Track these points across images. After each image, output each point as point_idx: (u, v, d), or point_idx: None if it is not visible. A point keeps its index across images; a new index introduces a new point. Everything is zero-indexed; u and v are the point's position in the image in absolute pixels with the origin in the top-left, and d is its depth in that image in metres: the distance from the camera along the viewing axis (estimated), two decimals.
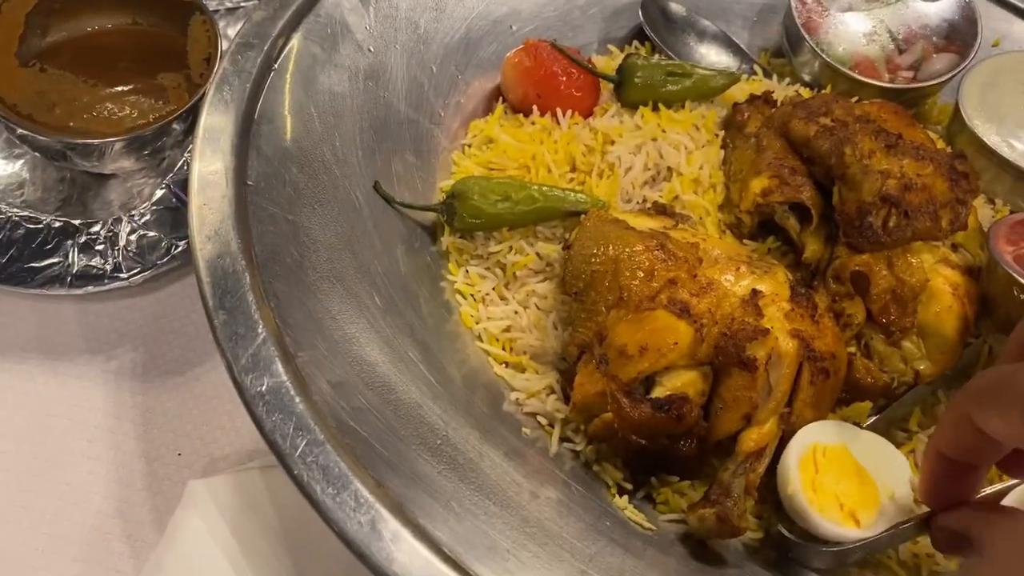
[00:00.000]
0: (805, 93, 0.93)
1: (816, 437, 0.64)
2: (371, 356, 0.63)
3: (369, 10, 0.83)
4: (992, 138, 0.85)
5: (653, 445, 0.65)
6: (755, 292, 0.69)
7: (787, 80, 0.97)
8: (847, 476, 0.62)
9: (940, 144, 0.89)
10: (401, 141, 0.82)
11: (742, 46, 0.99)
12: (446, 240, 0.78)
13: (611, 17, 1.00)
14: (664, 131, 0.84)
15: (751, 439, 0.64)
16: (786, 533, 0.63)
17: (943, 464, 0.49)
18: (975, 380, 0.45)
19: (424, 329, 0.70)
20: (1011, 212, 0.86)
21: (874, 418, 0.72)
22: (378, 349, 0.64)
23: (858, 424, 0.70)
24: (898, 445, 0.71)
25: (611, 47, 0.98)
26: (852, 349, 0.72)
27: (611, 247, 0.69)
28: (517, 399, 0.69)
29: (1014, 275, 0.71)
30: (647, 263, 0.69)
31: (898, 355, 0.72)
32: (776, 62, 1.02)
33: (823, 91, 0.93)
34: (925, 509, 0.58)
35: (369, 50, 0.83)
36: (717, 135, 0.86)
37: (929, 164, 0.75)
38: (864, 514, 0.60)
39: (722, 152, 0.84)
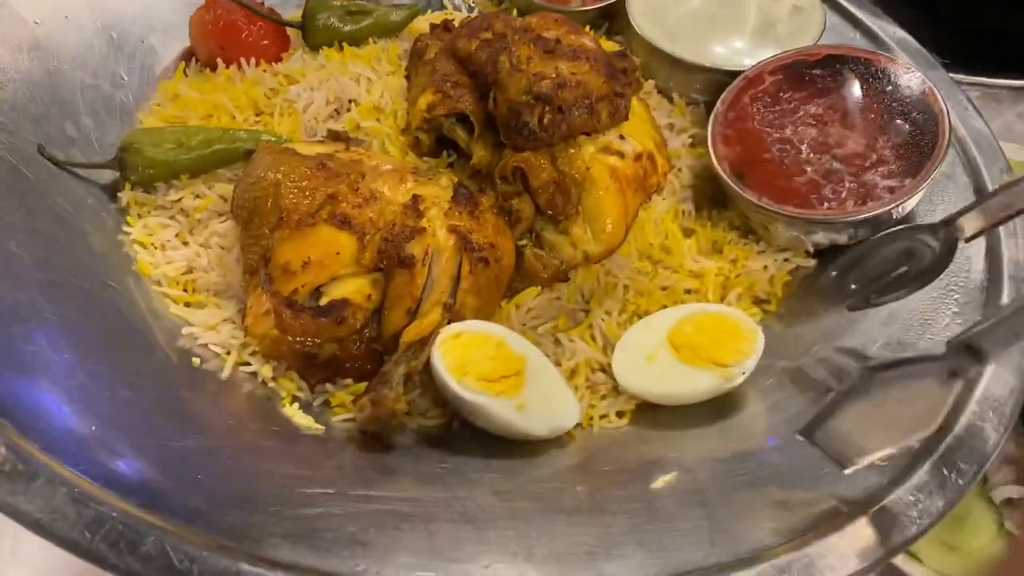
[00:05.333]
0: None
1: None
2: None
3: None
4: (657, 37, 0.91)
5: (323, 352, 0.67)
6: (415, 197, 0.71)
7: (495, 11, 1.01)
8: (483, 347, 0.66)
9: (610, 47, 0.95)
10: (74, 107, 0.81)
11: None
12: (125, 195, 0.77)
13: None
14: (347, 67, 0.86)
15: (412, 331, 0.67)
16: None
17: None
18: None
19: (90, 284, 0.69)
20: (687, 104, 0.92)
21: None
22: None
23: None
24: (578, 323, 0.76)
25: None
26: (524, 242, 0.76)
27: (272, 172, 0.71)
28: (191, 333, 0.69)
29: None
30: (306, 183, 0.70)
31: (567, 241, 0.76)
32: None
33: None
34: None
35: (35, 22, 0.82)
36: (402, 66, 0.88)
37: (585, 63, 0.80)
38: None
39: (406, 81, 0.87)
